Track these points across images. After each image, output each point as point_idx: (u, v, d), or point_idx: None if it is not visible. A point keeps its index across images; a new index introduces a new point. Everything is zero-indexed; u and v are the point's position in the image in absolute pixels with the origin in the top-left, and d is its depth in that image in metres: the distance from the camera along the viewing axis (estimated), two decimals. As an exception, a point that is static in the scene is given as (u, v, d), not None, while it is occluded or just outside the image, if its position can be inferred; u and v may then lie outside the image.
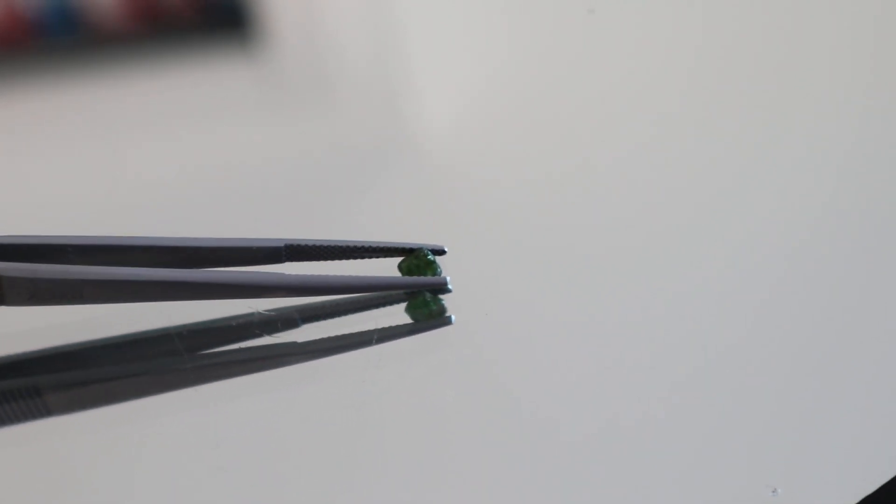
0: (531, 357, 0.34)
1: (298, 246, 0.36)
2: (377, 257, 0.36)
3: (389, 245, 0.36)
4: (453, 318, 0.35)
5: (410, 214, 0.45)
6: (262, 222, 0.45)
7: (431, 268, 0.36)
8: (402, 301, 0.36)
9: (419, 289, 0.36)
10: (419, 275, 0.36)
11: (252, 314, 0.35)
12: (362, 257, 0.36)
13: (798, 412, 0.31)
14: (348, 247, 0.36)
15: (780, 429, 0.30)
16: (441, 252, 0.36)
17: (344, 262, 0.36)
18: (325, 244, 0.36)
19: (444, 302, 0.36)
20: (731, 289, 0.36)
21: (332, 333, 0.35)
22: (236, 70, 0.67)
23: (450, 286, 0.36)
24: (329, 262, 0.36)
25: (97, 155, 0.56)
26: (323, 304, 0.36)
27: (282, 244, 0.36)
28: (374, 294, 0.36)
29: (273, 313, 0.35)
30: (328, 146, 0.54)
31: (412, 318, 0.35)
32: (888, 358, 0.33)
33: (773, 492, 0.28)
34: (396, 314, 0.35)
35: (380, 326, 0.35)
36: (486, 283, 0.37)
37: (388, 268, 0.36)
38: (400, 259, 0.36)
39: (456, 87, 0.59)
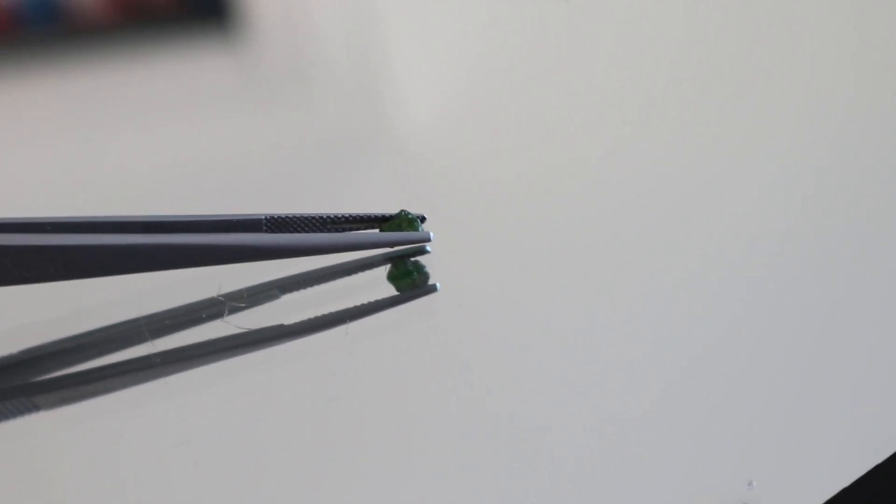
0: (508, 348, 0.34)
1: (279, 218, 0.36)
2: (358, 227, 0.36)
3: (370, 214, 0.36)
4: (438, 285, 0.35)
5: (390, 205, 0.45)
6: (242, 212, 0.44)
7: (413, 226, 0.36)
8: (383, 264, 0.36)
9: (401, 244, 0.36)
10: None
11: (217, 299, 0.35)
12: (343, 228, 0.36)
13: (774, 406, 0.31)
14: (329, 217, 0.36)
15: (757, 422, 0.30)
16: (421, 219, 0.36)
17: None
18: (306, 216, 0.36)
19: (427, 269, 0.36)
20: (708, 285, 0.36)
21: (315, 303, 0.35)
22: (217, 60, 0.67)
23: (429, 248, 0.36)
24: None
25: (77, 145, 0.56)
26: (302, 274, 0.36)
27: (262, 217, 0.36)
28: (355, 261, 0.36)
29: (242, 305, 0.35)
30: (309, 137, 0.54)
31: (396, 288, 0.35)
32: (863, 354, 0.33)
33: (749, 484, 0.28)
34: (378, 286, 0.35)
35: (364, 301, 0.35)
36: (466, 272, 0.37)
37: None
38: (380, 227, 0.36)
39: (435, 77, 0.59)
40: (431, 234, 0.36)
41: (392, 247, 0.36)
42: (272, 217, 0.36)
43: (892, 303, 0.35)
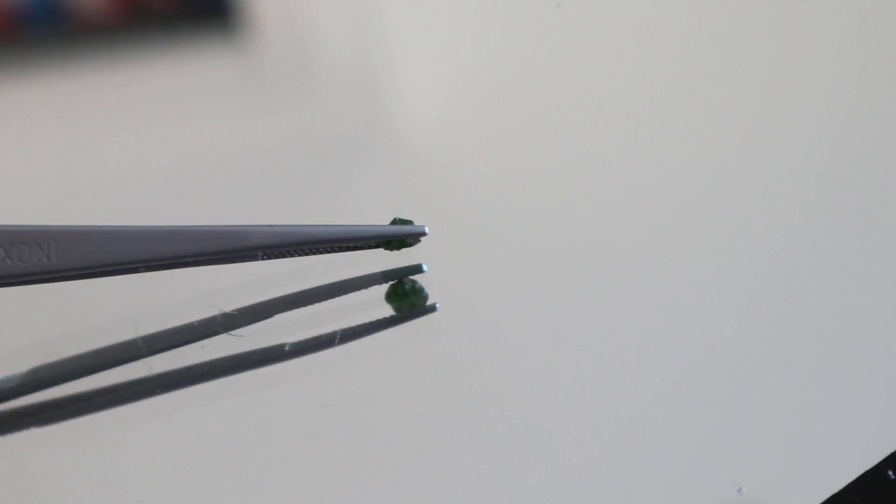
0: (507, 352, 0.34)
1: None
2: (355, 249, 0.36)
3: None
4: (438, 305, 0.35)
5: (392, 205, 0.45)
6: (244, 213, 0.45)
7: (417, 294, 0.36)
8: (380, 283, 0.36)
9: (395, 236, 0.36)
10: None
11: (215, 316, 0.35)
12: (338, 249, 0.36)
13: (764, 411, 0.31)
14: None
15: (746, 428, 0.30)
16: (422, 233, 0.36)
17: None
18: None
19: (426, 292, 0.36)
20: (697, 290, 0.36)
21: (311, 323, 0.35)
22: (219, 60, 0.67)
23: (424, 267, 0.36)
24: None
25: (78, 146, 0.56)
26: (298, 293, 0.36)
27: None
28: (351, 280, 0.36)
29: (237, 312, 0.35)
30: (311, 137, 0.54)
31: (394, 309, 0.35)
32: (854, 358, 0.33)
33: (739, 490, 0.28)
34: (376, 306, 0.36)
35: (362, 321, 0.35)
36: (467, 274, 0.37)
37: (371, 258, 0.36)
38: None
39: (439, 79, 0.59)
40: (426, 228, 0.36)
41: (387, 242, 0.36)
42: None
43: (884, 314, 0.35)
